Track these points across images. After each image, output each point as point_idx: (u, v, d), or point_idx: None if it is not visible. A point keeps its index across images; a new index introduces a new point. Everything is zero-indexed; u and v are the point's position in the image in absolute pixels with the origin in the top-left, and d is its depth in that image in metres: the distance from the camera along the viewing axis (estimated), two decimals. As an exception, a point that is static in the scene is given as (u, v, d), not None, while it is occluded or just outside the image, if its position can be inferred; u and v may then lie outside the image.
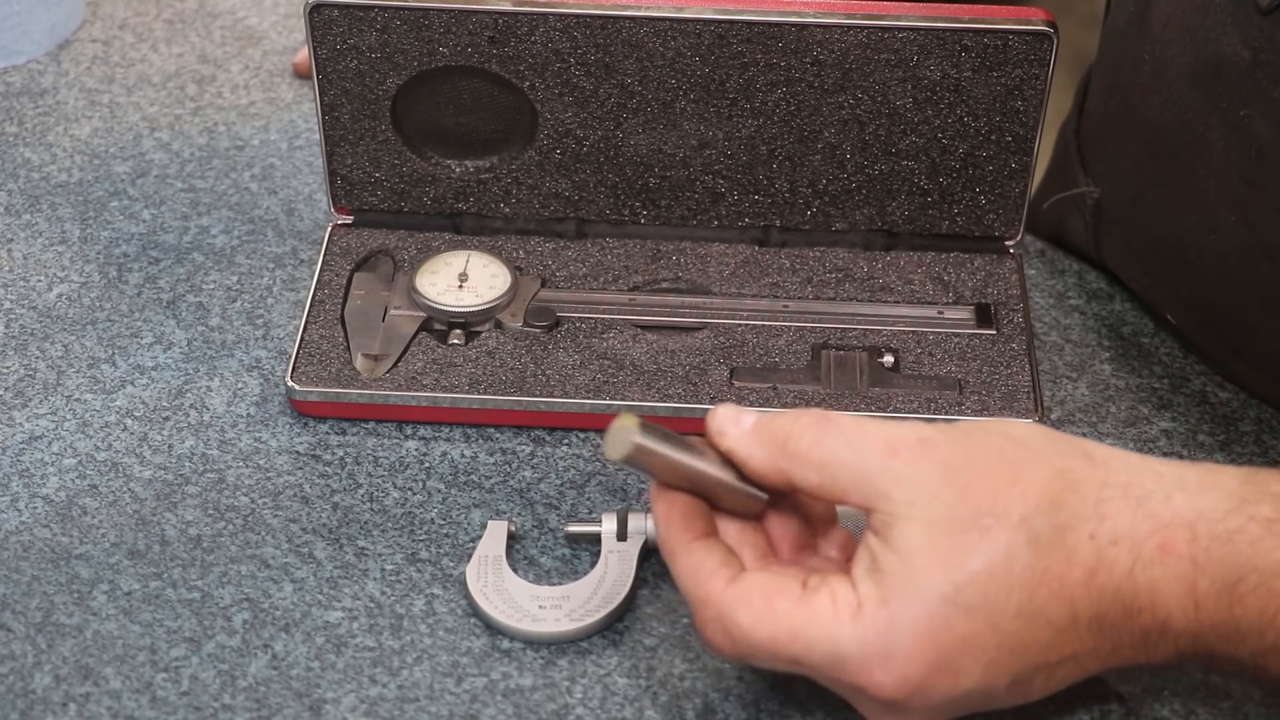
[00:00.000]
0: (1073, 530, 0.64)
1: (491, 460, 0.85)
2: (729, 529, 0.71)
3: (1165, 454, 0.86)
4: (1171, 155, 0.86)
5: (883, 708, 0.66)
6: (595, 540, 0.80)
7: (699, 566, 0.68)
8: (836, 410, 0.85)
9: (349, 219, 0.95)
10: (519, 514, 0.83)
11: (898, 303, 0.91)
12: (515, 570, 0.79)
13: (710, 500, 0.71)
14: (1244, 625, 0.64)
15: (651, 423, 0.69)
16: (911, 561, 0.64)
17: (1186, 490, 0.65)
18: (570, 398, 0.86)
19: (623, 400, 0.85)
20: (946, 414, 0.85)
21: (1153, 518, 0.64)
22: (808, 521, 0.72)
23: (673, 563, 0.69)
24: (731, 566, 0.68)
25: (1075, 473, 0.65)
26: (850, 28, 0.87)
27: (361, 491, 0.84)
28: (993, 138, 0.90)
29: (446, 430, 0.86)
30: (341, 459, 0.85)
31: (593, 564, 0.80)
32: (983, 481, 0.65)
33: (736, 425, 0.69)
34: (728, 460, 0.70)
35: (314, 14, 0.88)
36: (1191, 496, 0.65)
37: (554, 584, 0.79)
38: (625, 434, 0.68)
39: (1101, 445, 0.67)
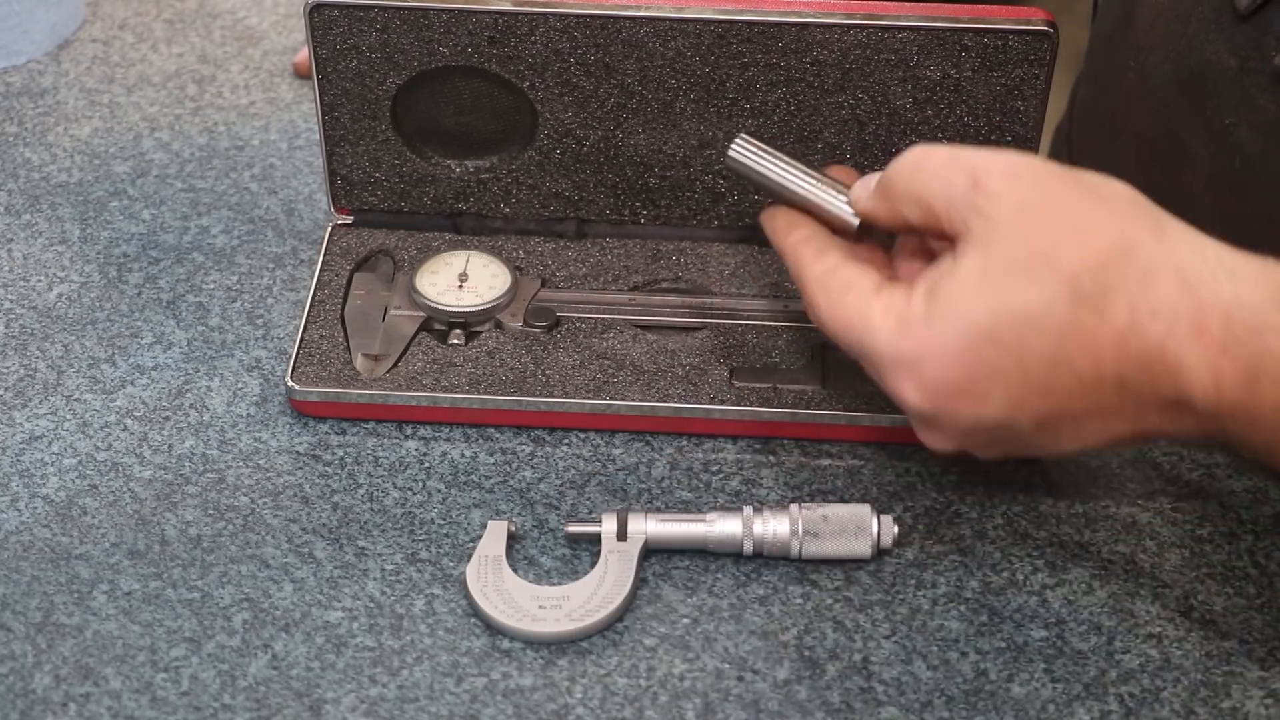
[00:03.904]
0: (1115, 295, 0.67)
1: (491, 460, 0.85)
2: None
3: (1165, 453, 0.86)
4: (1158, 163, 0.85)
5: (918, 419, 0.72)
6: (595, 540, 0.80)
7: (800, 254, 0.76)
8: (838, 409, 0.85)
9: (349, 219, 0.95)
10: (519, 514, 0.83)
11: (898, 303, 0.91)
12: (515, 570, 0.79)
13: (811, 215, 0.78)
14: (1259, 415, 0.66)
15: (756, 143, 0.79)
16: (963, 290, 0.68)
17: (1235, 280, 0.67)
18: (570, 398, 0.86)
19: (623, 400, 0.85)
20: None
21: (1196, 301, 0.66)
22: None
23: (784, 255, 0.77)
24: (828, 254, 0.74)
25: (1139, 242, 0.67)
26: (850, 28, 0.87)
27: (361, 491, 0.84)
28: (993, 138, 0.90)
29: (446, 430, 0.86)
30: (341, 459, 0.85)
31: (593, 564, 0.80)
32: (1050, 226, 0.68)
33: (865, 188, 0.75)
34: (824, 177, 0.77)
35: (314, 14, 0.88)
36: (1238, 286, 0.67)
37: (554, 584, 0.79)
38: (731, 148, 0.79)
39: (1178, 223, 0.69)
